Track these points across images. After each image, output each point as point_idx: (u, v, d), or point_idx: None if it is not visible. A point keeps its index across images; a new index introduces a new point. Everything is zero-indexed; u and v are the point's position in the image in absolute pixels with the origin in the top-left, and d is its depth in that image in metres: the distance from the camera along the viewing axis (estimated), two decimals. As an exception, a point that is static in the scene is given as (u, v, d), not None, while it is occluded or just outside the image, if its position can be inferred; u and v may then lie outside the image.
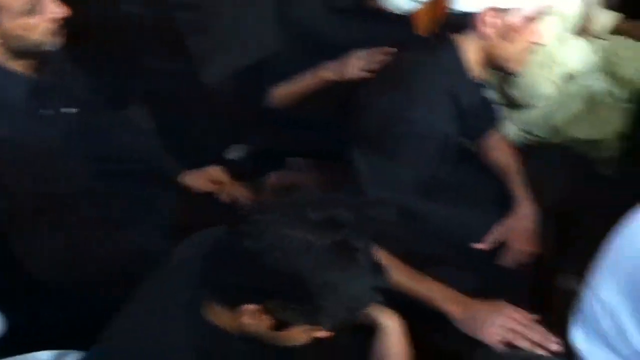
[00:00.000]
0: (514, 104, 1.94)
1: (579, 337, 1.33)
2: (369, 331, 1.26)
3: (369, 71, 1.65)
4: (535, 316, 1.35)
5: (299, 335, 1.05)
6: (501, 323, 1.32)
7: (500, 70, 1.51)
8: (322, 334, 1.06)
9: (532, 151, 1.87)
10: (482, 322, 1.32)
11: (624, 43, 2.19)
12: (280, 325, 1.01)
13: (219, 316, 1.06)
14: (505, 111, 1.93)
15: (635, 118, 1.77)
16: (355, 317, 0.99)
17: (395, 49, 1.59)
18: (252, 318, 1.01)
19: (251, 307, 1.00)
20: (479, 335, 1.32)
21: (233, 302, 1.02)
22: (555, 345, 1.30)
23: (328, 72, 1.72)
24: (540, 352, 1.29)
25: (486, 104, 1.66)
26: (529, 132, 1.95)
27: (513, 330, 1.31)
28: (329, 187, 1.51)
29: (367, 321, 1.25)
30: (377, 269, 1.00)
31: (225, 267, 1.01)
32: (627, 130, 1.79)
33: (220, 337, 1.07)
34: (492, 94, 1.88)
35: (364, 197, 1.39)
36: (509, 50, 1.44)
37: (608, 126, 1.91)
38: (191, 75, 1.71)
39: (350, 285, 0.97)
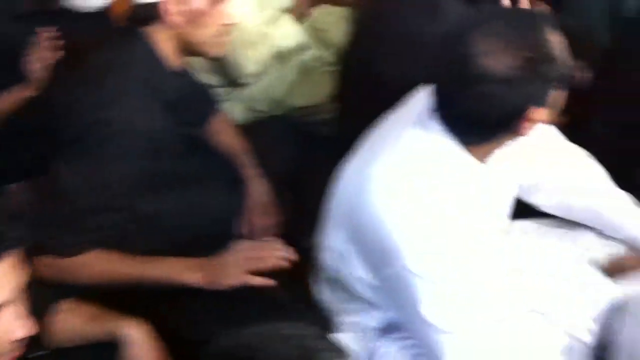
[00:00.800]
0: (232, 84, 1.97)
1: (322, 290, 1.41)
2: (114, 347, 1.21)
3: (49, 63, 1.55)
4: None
5: None
6: (238, 259, 1.36)
7: (199, 56, 1.51)
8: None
9: (259, 126, 1.93)
10: (223, 270, 1.35)
11: (328, 10, 2.33)
12: None
13: None
14: (225, 92, 1.96)
15: (342, 79, 1.89)
16: None
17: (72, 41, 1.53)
18: None
19: None
20: (226, 283, 1.34)
21: None
22: (283, 253, 1.37)
23: (21, 90, 1.61)
24: (281, 263, 1.36)
25: (199, 89, 1.67)
26: (252, 109, 2.01)
27: (250, 259, 1.35)
28: (44, 204, 1.42)
29: (109, 337, 1.20)
30: None
31: None
32: (337, 91, 1.91)
33: None
34: (207, 78, 1.90)
35: (75, 207, 1.33)
36: (201, 36, 1.43)
37: (321, 90, 2.03)
38: None
39: None
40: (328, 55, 2.14)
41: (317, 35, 2.24)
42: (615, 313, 1.39)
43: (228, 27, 1.47)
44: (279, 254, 1.36)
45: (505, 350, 1.24)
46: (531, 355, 1.32)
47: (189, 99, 1.54)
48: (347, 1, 2.29)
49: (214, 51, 1.48)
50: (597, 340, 1.40)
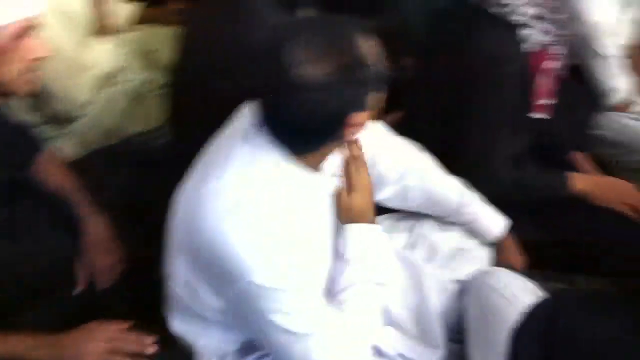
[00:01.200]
0: (58, 120, 1.87)
1: (177, 320, 1.37)
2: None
3: None
4: (127, 324, 1.34)
5: None
6: (95, 350, 1.27)
7: (9, 95, 1.41)
8: None
9: (92, 158, 1.84)
10: (79, 357, 1.27)
11: (154, 31, 2.27)
12: None
13: None
14: (52, 129, 1.86)
15: (174, 99, 1.85)
16: None
17: None
18: None
19: None
20: None
21: None
22: (151, 348, 1.31)
23: None
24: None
25: (18, 130, 1.56)
26: (84, 142, 1.92)
27: (108, 351, 1.28)
28: None
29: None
30: None
31: None
32: (171, 113, 1.86)
33: None
34: (29, 117, 1.79)
35: None
36: (8, 74, 1.33)
37: (155, 114, 1.97)
38: None
39: None
40: (159, 78, 2.09)
41: (146, 57, 2.19)
42: (461, 296, 1.46)
43: (37, 62, 1.38)
44: (142, 347, 1.30)
45: (360, 342, 1.27)
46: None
47: (7, 142, 1.44)
48: (171, 19, 2.25)
49: (24, 89, 1.38)
50: (452, 324, 1.46)
